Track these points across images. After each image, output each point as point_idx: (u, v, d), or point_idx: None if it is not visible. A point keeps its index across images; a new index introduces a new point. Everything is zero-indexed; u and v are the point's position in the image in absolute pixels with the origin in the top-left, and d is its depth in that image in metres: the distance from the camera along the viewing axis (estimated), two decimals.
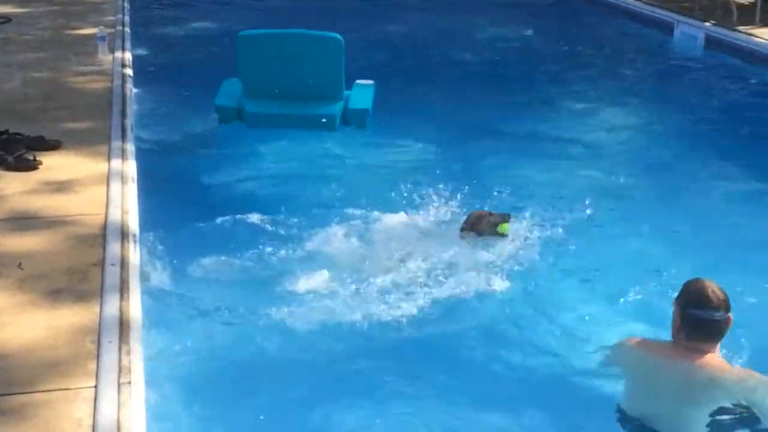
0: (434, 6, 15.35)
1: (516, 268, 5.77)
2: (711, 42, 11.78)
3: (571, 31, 13.80)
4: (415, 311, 5.26)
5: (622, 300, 5.41)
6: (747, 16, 11.90)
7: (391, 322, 5.17)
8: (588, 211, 6.60)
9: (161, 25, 13.73)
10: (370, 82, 9.04)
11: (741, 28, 11.61)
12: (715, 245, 6.26)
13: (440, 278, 5.63)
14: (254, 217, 6.54)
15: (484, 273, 5.68)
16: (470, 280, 5.59)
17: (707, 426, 3.83)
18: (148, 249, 5.65)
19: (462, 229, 6.15)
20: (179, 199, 6.84)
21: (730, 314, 3.94)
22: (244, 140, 8.32)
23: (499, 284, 5.57)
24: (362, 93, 8.85)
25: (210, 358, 4.77)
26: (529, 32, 13.68)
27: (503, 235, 6.05)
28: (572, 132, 8.96)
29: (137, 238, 5.40)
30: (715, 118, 9.57)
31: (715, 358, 3.98)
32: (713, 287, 3.94)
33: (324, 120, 8.49)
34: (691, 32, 12.19)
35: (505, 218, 6.09)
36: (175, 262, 5.70)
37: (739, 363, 4.29)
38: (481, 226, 6.09)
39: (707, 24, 12.05)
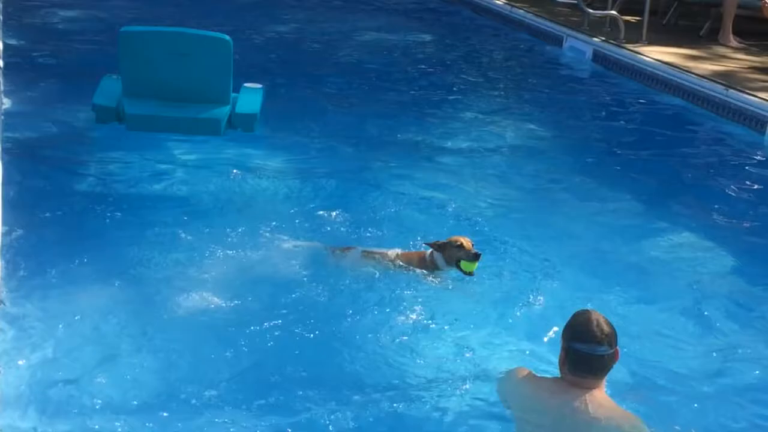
0: (325, 5, 15.12)
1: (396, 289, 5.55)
2: (598, 57, 11.89)
3: (462, 41, 13.70)
4: (299, 335, 5.01)
5: (510, 322, 5.30)
6: (634, 33, 12.04)
7: (276, 345, 4.92)
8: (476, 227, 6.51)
9: (36, 12, 12.91)
10: (259, 85, 8.69)
11: (628, 45, 11.75)
12: (595, 265, 6.22)
13: (323, 300, 5.42)
14: (130, 229, 6.19)
15: (368, 292, 5.50)
16: (355, 301, 5.39)
17: None
18: (10, 264, 5.23)
19: (427, 243, 5.84)
20: (48, 207, 6.37)
21: (617, 348, 3.83)
22: (123, 143, 7.85)
23: (377, 308, 5.34)
24: (250, 97, 8.47)
25: (74, 380, 4.44)
26: (419, 39, 13.53)
27: (465, 273, 5.64)
28: (459, 143, 8.86)
29: None
30: (598, 135, 9.59)
31: (599, 395, 3.85)
32: (599, 320, 3.81)
33: (209, 125, 8.11)
34: (580, 47, 12.27)
35: (470, 256, 5.58)
36: (40, 275, 5.32)
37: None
38: (447, 251, 5.68)
39: (595, 39, 12.15)
